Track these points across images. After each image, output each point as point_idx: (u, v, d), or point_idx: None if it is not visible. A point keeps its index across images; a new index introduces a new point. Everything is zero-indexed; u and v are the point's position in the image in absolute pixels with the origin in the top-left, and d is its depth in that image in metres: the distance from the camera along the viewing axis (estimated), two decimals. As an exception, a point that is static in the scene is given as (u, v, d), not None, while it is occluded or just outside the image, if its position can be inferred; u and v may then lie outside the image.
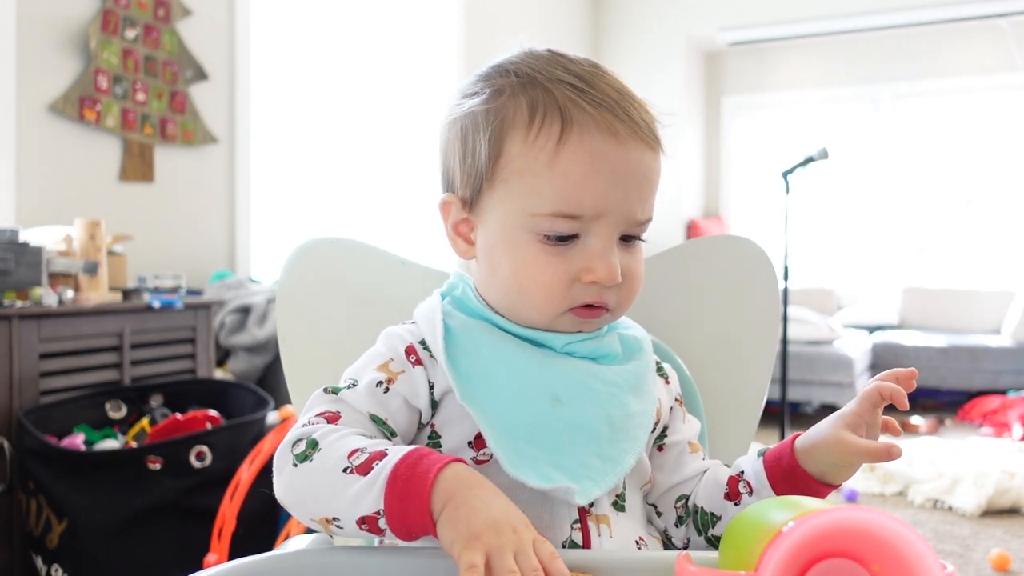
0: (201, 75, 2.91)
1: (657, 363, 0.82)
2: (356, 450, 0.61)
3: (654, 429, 0.77)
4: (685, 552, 0.55)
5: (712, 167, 6.45)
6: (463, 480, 0.57)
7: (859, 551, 0.48)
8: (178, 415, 2.00)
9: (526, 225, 0.70)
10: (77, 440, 1.86)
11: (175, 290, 2.33)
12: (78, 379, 2.01)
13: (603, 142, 0.68)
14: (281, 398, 2.36)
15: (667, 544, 0.79)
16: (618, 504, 0.73)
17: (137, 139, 2.70)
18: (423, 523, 0.57)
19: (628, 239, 0.72)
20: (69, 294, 2.00)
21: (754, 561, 0.49)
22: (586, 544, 0.69)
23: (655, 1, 5.91)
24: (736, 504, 0.73)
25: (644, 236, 0.74)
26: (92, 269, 2.07)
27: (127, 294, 2.22)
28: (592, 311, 0.71)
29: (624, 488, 0.74)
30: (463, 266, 0.79)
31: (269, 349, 2.63)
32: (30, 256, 1.93)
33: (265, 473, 1.92)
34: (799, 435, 0.72)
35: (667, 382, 0.81)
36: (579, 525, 0.69)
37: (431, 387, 0.71)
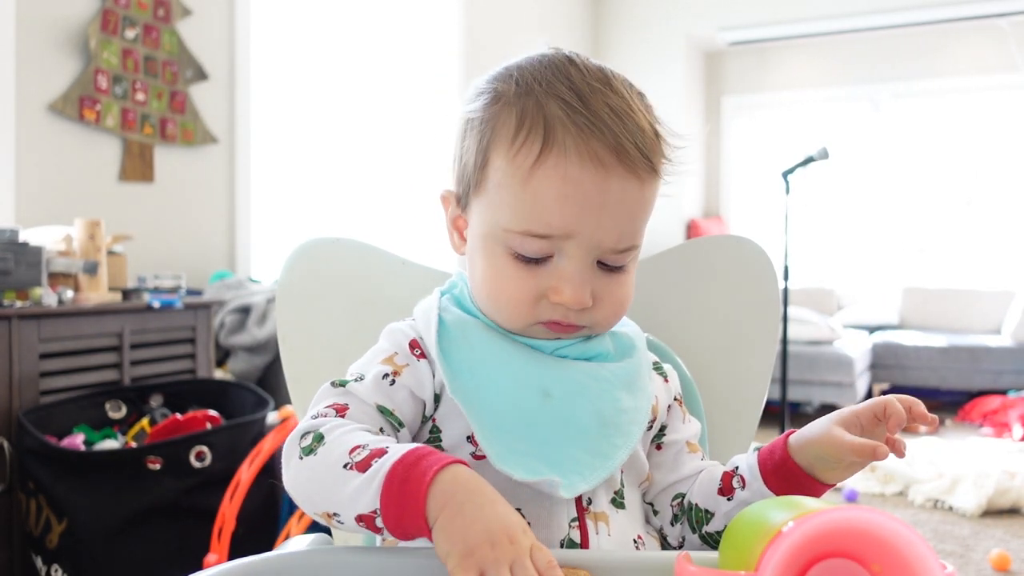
0: (201, 75, 2.91)
1: (656, 362, 0.82)
2: (358, 446, 0.61)
3: (651, 427, 0.77)
4: (685, 552, 0.55)
5: (712, 167, 6.46)
6: (461, 484, 0.57)
7: (859, 551, 0.48)
8: (178, 415, 2.00)
9: (500, 238, 0.70)
10: (77, 440, 1.86)
11: (175, 290, 2.33)
12: (78, 379, 2.01)
13: (580, 168, 0.66)
14: (281, 398, 2.36)
15: (663, 543, 0.79)
16: (617, 501, 0.73)
17: (137, 139, 2.70)
18: (418, 526, 0.56)
19: (609, 264, 0.70)
20: (69, 294, 2.00)
21: (754, 561, 0.49)
22: (584, 542, 0.69)
23: (655, 1, 5.91)
24: (729, 499, 0.73)
25: (627, 263, 0.71)
26: (92, 269, 2.07)
27: (127, 294, 2.22)
28: (562, 328, 0.71)
29: (622, 485, 0.74)
30: (463, 264, 0.79)
31: (269, 349, 2.63)
32: (30, 256, 1.93)
33: (265, 473, 1.92)
34: (795, 431, 0.72)
35: (666, 381, 0.82)
36: (577, 523, 0.69)
37: (435, 380, 0.72)
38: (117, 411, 2.04)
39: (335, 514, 0.61)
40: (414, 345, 0.73)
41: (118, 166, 2.67)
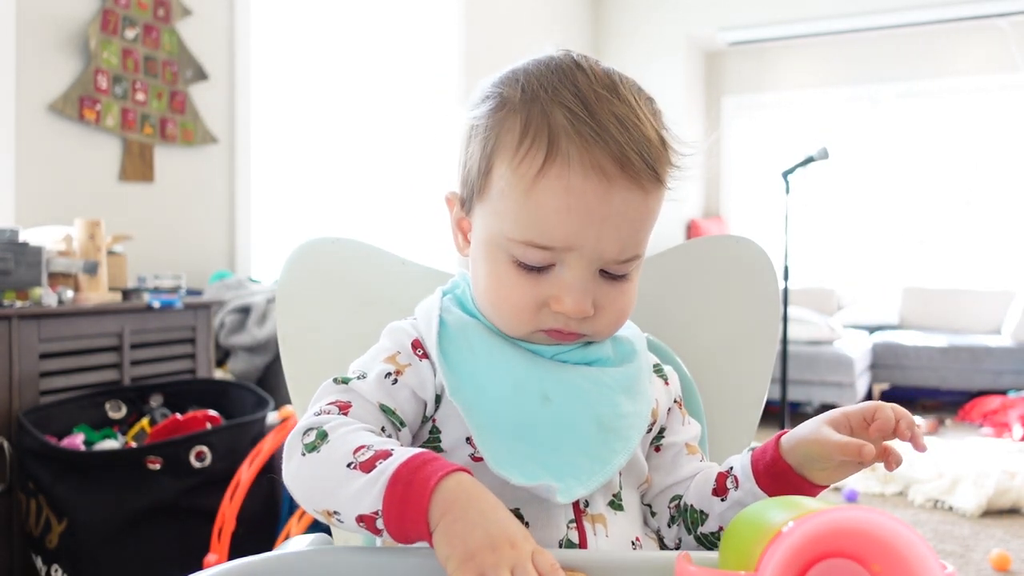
0: (201, 75, 2.91)
1: (657, 365, 0.82)
2: (363, 446, 0.61)
3: (650, 430, 0.77)
4: (685, 552, 0.55)
5: (712, 167, 6.45)
6: (464, 490, 0.56)
7: (859, 551, 0.48)
8: (178, 415, 2.00)
9: (503, 246, 0.69)
10: (77, 440, 1.86)
11: (175, 290, 2.33)
12: (78, 379, 2.01)
13: (584, 179, 0.65)
14: (281, 398, 2.36)
15: (660, 544, 0.79)
16: (615, 503, 0.73)
17: (137, 139, 2.70)
18: (419, 530, 0.56)
19: (611, 273, 0.70)
20: (69, 294, 2.00)
21: (754, 561, 0.49)
22: (582, 543, 0.69)
23: (655, 1, 5.91)
24: (722, 500, 0.73)
25: (630, 271, 0.71)
26: (92, 269, 2.07)
27: (127, 294, 2.22)
28: (563, 336, 0.71)
29: (621, 487, 0.74)
30: (465, 264, 0.79)
31: (269, 349, 2.63)
32: (30, 256, 1.93)
33: (265, 473, 1.92)
34: (788, 431, 0.72)
35: (666, 383, 0.81)
36: (575, 524, 0.69)
37: (436, 381, 0.72)
38: (117, 411, 2.04)
39: (335, 512, 0.61)
40: (416, 345, 0.73)
41: (118, 166, 2.67)
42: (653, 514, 0.79)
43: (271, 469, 1.95)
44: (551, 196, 0.66)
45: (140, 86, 2.69)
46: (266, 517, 1.98)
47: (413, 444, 0.72)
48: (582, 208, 0.65)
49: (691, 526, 0.76)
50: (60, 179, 2.49)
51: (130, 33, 2.65)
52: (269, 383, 2.61)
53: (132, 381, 2.14)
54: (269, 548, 1.66)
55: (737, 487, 0.73)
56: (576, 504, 0.70)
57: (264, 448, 1.89)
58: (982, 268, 5.81)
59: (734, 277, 1.00)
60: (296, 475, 0.64)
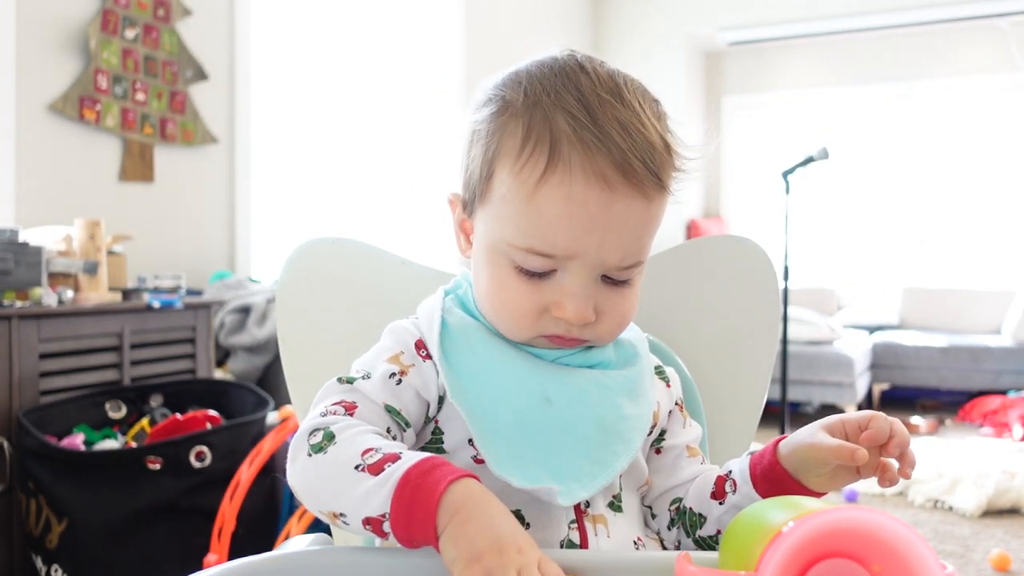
0: (201, 75, 2.91)
1: (658, 366, 0.82)
2: (371, 448, 0.61)
3: (651, 432, 0.77)
4: (685, 552, 0.55)
5: (712, 167, 6.45)
6: (472, 496, 0.56)
7: (859, 551, 0.48)
8: (178, 415, 2.00)
9: (504, 251, 0.69)
10: (77, 440, 1.86)
11: (175, 290, 2.33)
12: (78, 379, 2.01)
13: (585, 187, 0.64)
14: (281, 398, 2.36)
15: (661, 546, 0.79)
16: (615, 505, 0.73)
17: (137, 139, 2.70)
18: (426, 533, 0.56)
19: (613, 279, 0.70)
20: (69, 294, 2.00)
21: (754, 561, 0.49)
22: (583, 544, 0.69)
23: (655, 1, 5.91)
24: (720, 503, 0.73)
25: (633, 277, 0.71)
26: (92, 269, 2.07)
27: (127, 294, 2.22)
28: (564, 341, 0.71)
29: (620, 489, 0.74)
30: (466, 263, 0.79)
31: (269, 349, 2.63)
32: (30, 256, 1.93)
33: (265, 473, 1.92)
34: (787, 436, 0.72)
35: (668, 385, 0.81)
36: (576, 525, 0.69)
37: (439, 381, 0.71)
38: (117, 411, 2.04)
39: (341, 514, 0.61)
40: (420, 345, 0.72)
41: (118, 166, 2.67)
42: (653, 516, 0.79)
43: (271, 469, 1.95)
44: (552, 204, 0.65)
45: (140, 86, 2.69)
46: (266, 517, 1.98)
47: (416, 445, 0.72)
48: (583, 216, 0.65)
49: (690, 529, 0.76)
50: (60, 179, 2.49)
51: (130, 33, 2.65)
52: (269, 383, 2.61)
53: (132, 381, 2.14)
54: (269, 548, 1.66)
55: (735, 491, 0.73)
56: (577, 505, 0.70)
57: (264, 448, 1.89)
58: (982, 268, 5.81)
59: (734, 277, 1.00)
60: (302, 475, 0.63)
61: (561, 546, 0.68)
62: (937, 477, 3.22)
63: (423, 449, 0.72)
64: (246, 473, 1.85)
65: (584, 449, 0.69)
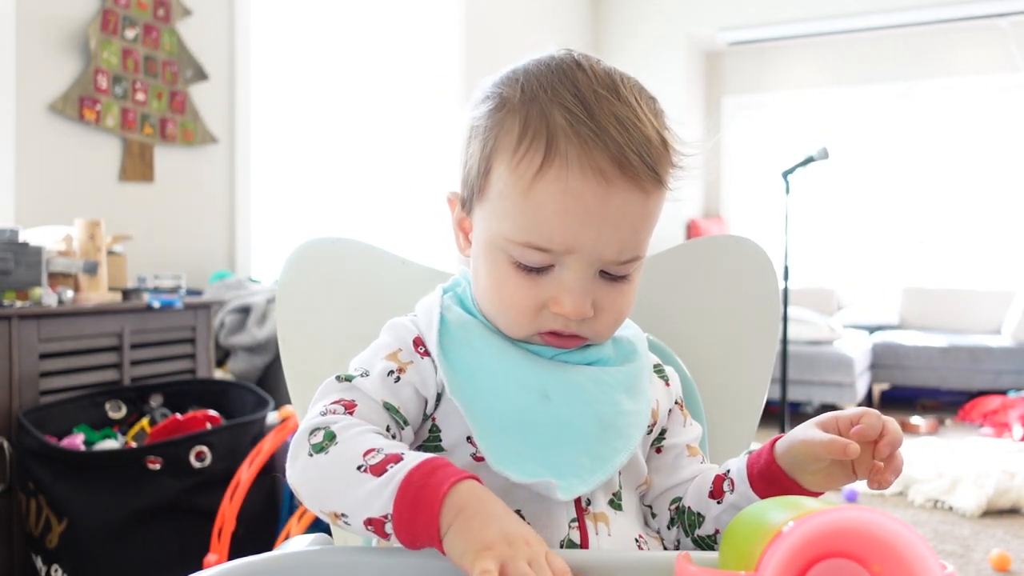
0: (201, 75, 2.91)
1: (657, 365, 0.82)
2: (373, 449, 0.61)
3: (650, 430, 0.77)
4: (685, 552, 0.55)
5: (712, 167, 6.45)
6: (476, 496, 0.56)
7: (859, 551, 0.48)
8: (178, 415, 2.00)
9: (502, 247, 0.69)
10: (77, 440, 1.86)
11: (175, 290, 2.33)
12: (78, 379, 2.01)
13: (582, 181, 0.64)
14: (281, 398, 2.36)
15: (661, 545, 0.79)
16: (614, 503, 0.73)
17: (137, 139, 2.70)
18: (429, 534, 0.56)
19: (611, 274, 0.70)
20: (69, 294, 2.00)
21: (754, 561, 0.49)
22: (584, 542, 0.69)
23: (655, 1, 5.92)
24: (719, 503, 0.73)
25: (631, 272, 0.71)
26: (92, 269, 2.07)
27: (127, 294, 2.22)
28: (561, 339, 0.71)
29: (620, 487, 0.74)
30: (465, 263, 0.79)
31: (269, 349, 2.63)
32: (30, 256, 1.93)
33: (265, 473, 1.92)
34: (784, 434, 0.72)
35: (667, 384, 0.81)
36: (577, 524, 0.69)
37: (437, 378, 0.71)
38: (117, 411, 2.04)
39: (343, 515, 0.61)
40: (418, 342, 0.73)
41: (118, 166, 2.67)
42: (654, 515, 0.79)
43: (271, 469, 1.95)
44: (549, 198, 0.65)
45: (140, 86, 2.69)
46: (266, 517, 1.98)
47: (414, 443, 0.72)
48: (580, 210, 0.65)
49: (688, 528, 0.76)
50: (60, 179, 2.49)
51: (130, 33, 2.65)
52: (269, 383, 2.61)
53: (132, 381, 2.14)
54: (269, 548, 1.66)
55: (733, 490, 0.73)
56: (578, 503, 0.70)
57: (264, 448, 1.89)
58: (982, 268, 5.81)
59: (734, 277, 1.00)
60: (303, 475, 0.63)
61: (562, 545, 0.68)
62: (937, 477, 3.22)
63: (421, 447, 0.72)
64: (246, 473, 1.85)
65: (583, 445, 0.69)
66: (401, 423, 0.70)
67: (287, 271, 0.96)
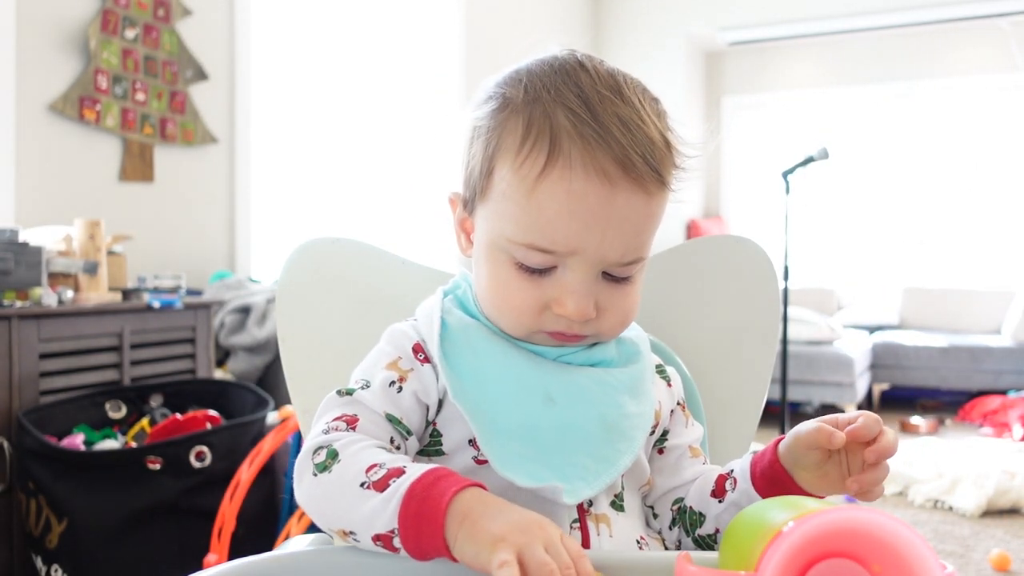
0: (201, 75, 2.91)
1: (659, 366, 0.82)
2: (375, 465, 0.61)
3: (653, 431, 0.77)
4: (685, 552, 0.55)
5: (712, 167, 6.46)
6: (481, 500, 0.56)
7: (859, 551, 0.48)
8: (178, 415, 2.00)
9: (504, 247, 0.69)
10: (77, 440, 1.86)
11: (175, 290, 2.33)
12: (78, 379, 2.01)
13: (586, 182, 0.64)
14: (281, 398, 2.36)
15: (663, 546, 0.79)
16: (617, 504, 0.73)
17: (137, 139, 2.70)
18: (436, 545, 0.56)
19: (615, 275, 0.70)
20: (69, 294, 2.00)
21: (754, 561, 0.49)
22: (585, 543, 0.69)
23: (655, 1, 5.92)
24: (720, 502, 0.73)
25: (634, 274, 0.70)
26: (92, 269, 2.07)
27: (127, 294, 2.22)
28: (566, 338, 0.71)
29: (622, 488, 0.74)
30: (466, 264, 0.79)
31: (269, 349, 2.63)
32: (30, 256, 1.93)
33: (265, 473, 1.92)
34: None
35: (669, 384, 0.81)
36: (578, 524, 0.69)
37: (438, 385, 0.71)
38: (117, 411, 2.04)
39: (351, 532, 0.61)
40: (417, 349, 0.72)
41: (118, 166, 2.67)
42: (655, 516, 0.79)
43: (271, 469, 1.95)
44: (552, 199, 0.65)
45: (140, 86, 2.69)
46: (266, 517, 1.98)
47: (416, 450, 0.72)
48: (584, 211, 0.65)
49: (689, 528, 0.76)
50: (60, 179, 2.49)
51: (130, 33, 2.65)
52: (269, 383, 2.61)
53: (132, 381, 2.14)
54: (269, 548, 1.66)
55: (735, 488, 0.73)
56: (580, 504, 0.70)
57: (264, 448, 1.89)
58: (982, 268, 5.81)
59: (734, 277, 1.00)
60: (309, 496, 0.63)
61: (563, 546, 0.68)
62: (937, 477, 3.22)
63: (421, 452, 0.72)
64: (246, 473, 1.85)
65: (588, 447, 0.69)
66: (404, 433, 0.69)
67: (287, 271, 0.96)
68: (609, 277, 0.69)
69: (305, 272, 0.96)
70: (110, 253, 2.25)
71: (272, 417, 2.12)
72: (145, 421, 2.03)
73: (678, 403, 0.81)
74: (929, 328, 5.53)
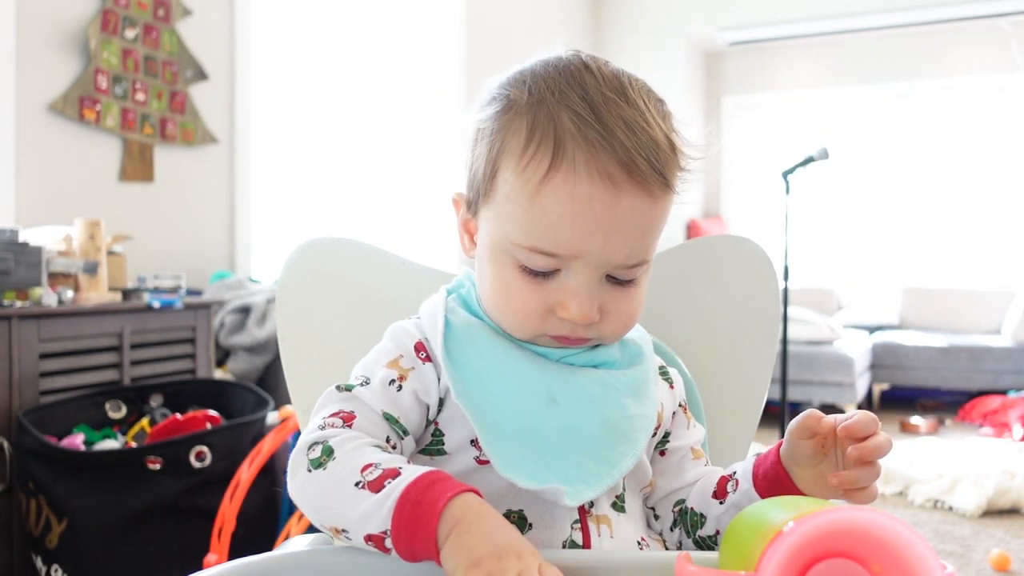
0: (201, 75, 2.91)
1: (662, 367, 0.82)
2: (370, 464, 0.61)
3: (655, 433, 0.77)
4: (685, 552, 0.55)
5: (712, 167, 6.44)
6: (472, 509, 0.56)
7: (859, 551, 0.48)
8: (178, 415, 2.00)
9: (508, 250, 0.69)
10: (77, 440, 1.86)
11: (175, 290, 2.33)
12: (78, 379, 2.01)
13: (590, 185, 0.64)
14: (281, 398, 2.36)
15: (663, 547, 0.79)
16: (617, 505, 0.73)
17: (137, 139, 2.70)
18: (427, 549, 0.56)
19: (619, 278, 0.69)
20: (69, 294, 2.00)
21: (754, 561, 0.49)
22: (586, 544, 0.69)
23: (655, 1, 5.92)
24: (721, 503, 0.73)
25: (638, 276, 0.70)
26: (92, 269, 2.07)
27: (127, 294, 2.22)
28: (570, 341, 0.70)
29: (624, 490, 0.74)
30: (468, 263, 0.79)
31: (269, 349, 2.63)
32: (30, 256, 1.93)
33: (265, 473, 1.92)
34: None
35: (671, 386, 0.81)
36: (579, 525, 0.69)
37: (440, 384, 0.71)
38: (117, 411, 2.04)
39: (344, 530, 0.61)
40: (419, 348, 0.72)
41: (118, 166, 2.67)
42: (657, 517, 0.79)
43: (271, 469, 1.95)
44: (556, 202, 0.65)
45: (140, 86, 2.69)
46: (266, 517, 1.98)
47: (416, 447, 0.72)
48: (588, 215, 0.64)
49: (690, 529, 0.76)
50: (60, 179, 2.49)
51: (130, 33, 2.65)
52: (269, 383, 2.61)
53: (132, 381, 2.14)
54: (269, 548, 1.66)
55: (736, 489, 0.73)
56: (581, 505, 0.69)
57: (264, 448, 1.89)
58: (982, 268, 5.81)
59: (734, 277, 1.00)
60: (303, 491, 0.63)
61: (564, 546, 0.68)
62: (937, 477, 3.22)
63: (423, 451, 0.72)
64: (246, 473, 1.85)
65: (590, 449, 0.69)
66: (401, 433, 0.69)
67: (287, 271, 0.96)
68: (613, 280, 0.69)
69: (305, 272, 0.96)
70: (110, 253, 2.25)
71: (272, 417, 2.12)
72: (145, 421, 2.04)
73: (680, 405, 0.81)
74: (929, 328, 5.53)
